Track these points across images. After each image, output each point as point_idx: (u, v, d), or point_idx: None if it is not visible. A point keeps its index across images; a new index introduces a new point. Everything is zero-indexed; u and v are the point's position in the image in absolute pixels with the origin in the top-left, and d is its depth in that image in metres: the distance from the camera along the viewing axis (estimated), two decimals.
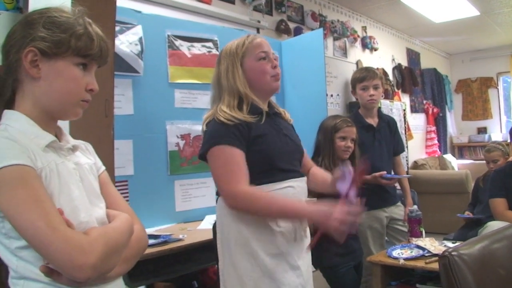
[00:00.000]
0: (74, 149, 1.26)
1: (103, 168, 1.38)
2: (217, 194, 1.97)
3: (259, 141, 1.83)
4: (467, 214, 3.99)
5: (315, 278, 2.61)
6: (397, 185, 3.34)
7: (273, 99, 2.07)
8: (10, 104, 1.19)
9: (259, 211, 1.77)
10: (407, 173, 6.04)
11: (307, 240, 1.94)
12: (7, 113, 1.17)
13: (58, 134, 1.25)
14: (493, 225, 3.25)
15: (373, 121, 3.23)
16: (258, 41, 1.95)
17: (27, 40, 1.14)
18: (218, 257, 1.90)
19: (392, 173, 3.18)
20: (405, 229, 3.12)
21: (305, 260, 1.92)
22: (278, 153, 1.87)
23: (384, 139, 3.23)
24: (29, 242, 1.02)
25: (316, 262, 2.73)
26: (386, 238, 3.18)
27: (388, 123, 3.32)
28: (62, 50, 1.15)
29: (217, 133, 1.80)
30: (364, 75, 3.20)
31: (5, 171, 1.01)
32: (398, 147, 3.36)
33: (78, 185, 1.19)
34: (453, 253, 1.60)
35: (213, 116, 1.85)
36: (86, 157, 1.31)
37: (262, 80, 1.92)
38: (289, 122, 2.08)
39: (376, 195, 3.05)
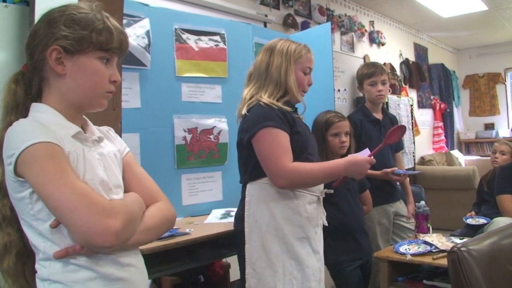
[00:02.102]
0: (99, 140, 1.31)
1: (127, 149, 1.42)
2: (241, 182, 2.11)
3: (298, 130, 2.03)
4: (470, 215, 3.96)
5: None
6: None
7: None
8: (36, 99, 1.25)
9: (309, 183, 2.00)
10: (413, 170, 6.03)
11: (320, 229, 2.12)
12: (34, 105, 1.22)
13: (84, 125, 1.31)
14: (499, 221, 3.24)
15: (378, 116, 3.23)
16: (311, 57, 2.17)
17: (51, 39, 1.18)
18: (245, 241, 2.00)
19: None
20: (409, 226, 3.13)
21: (322, 246, 2.10)
22: (309, 143, 2.10)
23: None
24: (54, 212, 1.08)
25: None
26: None
27: (391, 119, 3.33)
28: (84, 46, 1.19)
29: (263, 116, 1.95)
30: (372, 71, 3.19)
31: (33, 148, 1.07)
32: (399, 144, 3.36)
33: (103, 173, 1.23)
34: (462, 248, 1.60)
35: (256, 101, 2.02)
36: (111, 145, 1.35)
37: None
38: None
39: (384, 191, 3.07)
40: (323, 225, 2.12)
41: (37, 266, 1.16)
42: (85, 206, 1.04)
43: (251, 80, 2.15)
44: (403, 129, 2.24)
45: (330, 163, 2.02)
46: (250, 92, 2.10)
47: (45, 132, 1.10)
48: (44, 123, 1.14)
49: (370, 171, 2.97)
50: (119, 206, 1.13)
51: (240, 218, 2.07)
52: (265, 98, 2.01)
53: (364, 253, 2.67)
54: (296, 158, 1.96)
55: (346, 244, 2.60)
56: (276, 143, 1.92)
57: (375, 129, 3.16)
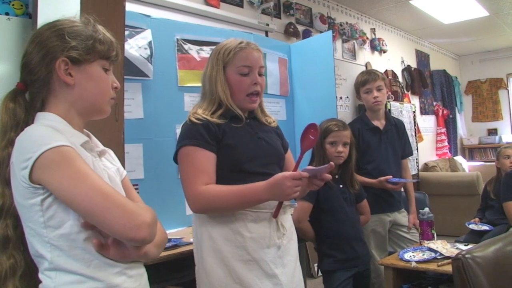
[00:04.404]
0: (101, 153, 1.33)
1: (125, 172, 1.44)
2: None
3: (228, 143, 1.81)
4: (474, 221, 3.95)
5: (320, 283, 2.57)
6: (402, 190, 3.24)
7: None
8: (39, 110, 1.25)
9: (220, 209, 1.76)
10: (417, 176, 6.00)
11: (289, 247, 1.88)
12: (40, 115, 1.23)
13: (87, 137, 1.31)
14: None
15: (379, 123, 3.19)
16: (244, 54, 1.87)
17: (58, 52, 1.20)
18: (195, 262, 1.87)
19: (399, 177, 3.12)
20: (409, 236, 3.08)
21: (286, 268, 1.83)
22: (248, 156, 1.83)
23: (391, 141, 3.17)
24: (85, 214, 1.09)
25: (318, 265, 2.70)
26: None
27: (396, 125, 3.27)
28: (91, 56, 1.23)
29: (186, 134, 1.80)
30: (365, 78, 3.18)
31: (50, 153, 1.07)
32: (405, 150, 3.30)
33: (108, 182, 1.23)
34: (467, 255, 1.59)
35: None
36: (111, 163, 1.38)
37: (236, 95, 1.88)
38: (270, 125, 2.02)
39: (381, 199, 3.02)
40: (296, 239, 1.94)
41: (41, 276, 1.14)
42: (117, 206, 1.08)
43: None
44: (313, 126, 1.79)
45: (247, 187, 1.70)
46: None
47: (58, 136, 1.11)
48: (57, 128, 1.15)
49: (366, 179, 2.95)
50: (144, 206, 1.21)
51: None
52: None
53: (361, 261, 2.63)
54: (228, 172, 1.80)
55: (342, 252, 2.57)
56: (191, 164, 1.75)
57: (374, 137, 3.12)
